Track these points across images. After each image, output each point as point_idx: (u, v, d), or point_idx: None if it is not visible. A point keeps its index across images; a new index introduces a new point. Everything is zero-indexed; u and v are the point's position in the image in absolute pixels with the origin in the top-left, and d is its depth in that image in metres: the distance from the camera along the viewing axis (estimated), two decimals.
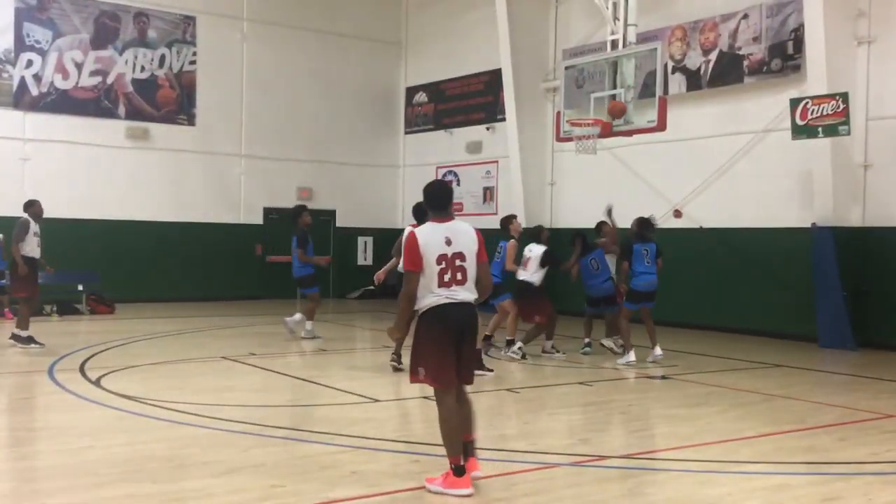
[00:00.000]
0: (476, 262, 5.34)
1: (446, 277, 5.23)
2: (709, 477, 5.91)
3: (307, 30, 20.79)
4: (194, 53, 19.28)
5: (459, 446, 5.28)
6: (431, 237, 5.27)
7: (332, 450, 6.26)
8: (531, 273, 11.21)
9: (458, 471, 5.19)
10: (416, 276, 5.27)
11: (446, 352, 5.28)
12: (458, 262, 5.25)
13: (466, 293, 5.31)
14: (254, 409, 7.86)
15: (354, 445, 6.39)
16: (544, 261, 11.19)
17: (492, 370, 9.95)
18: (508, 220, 11.69)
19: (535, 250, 11.32)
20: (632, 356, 10.81)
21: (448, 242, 5.25)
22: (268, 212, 20.30)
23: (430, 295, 5.26)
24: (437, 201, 5.41)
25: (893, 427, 7.50)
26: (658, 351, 11.01)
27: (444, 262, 5.22)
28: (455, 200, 20.48)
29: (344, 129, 21.49)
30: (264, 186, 20.24)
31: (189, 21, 19.22)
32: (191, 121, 19.30)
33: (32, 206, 11.57)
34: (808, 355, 12.19)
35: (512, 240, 11.39)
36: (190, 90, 19.25)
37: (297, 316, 13.03)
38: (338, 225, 21.25)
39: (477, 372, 9.86)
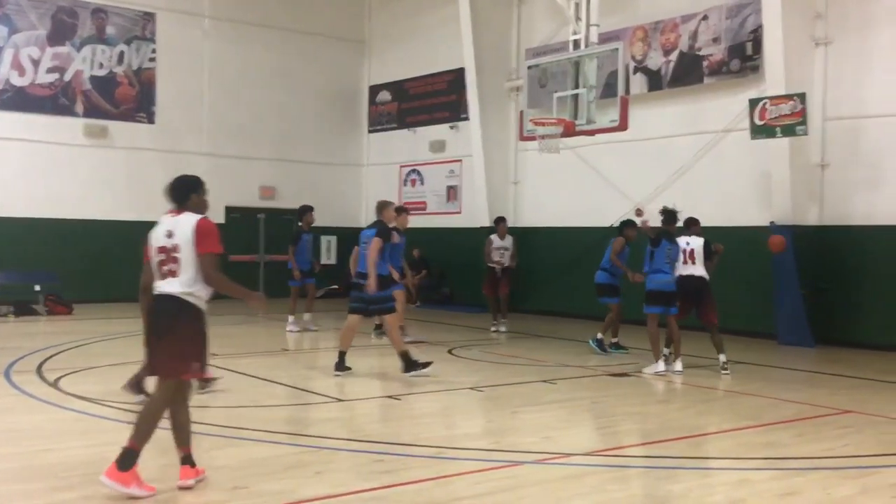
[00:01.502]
0: (194, 254, 5.31)
1: (164, 269, 5.37)
2: (671, 473, 5.97)
3: (270, 27, 20.62)
4: (154, 50, 19.01)
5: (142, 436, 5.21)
6: (157, 230, 5.43)
7: (295, 450, 6.22)
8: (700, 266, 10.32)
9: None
10: (147, 268, 5.52)
11: (149, 343, 5.46)
12: (174, 254, 5.36)
13: (174, 285, 5.31)
14: (215, 409, 7.78)
15: (318, 446, 6.35)
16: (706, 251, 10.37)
17: (429, 363, 9.58)
18: (383, 206, 10.11)
19: (694, 242, 10.39)
20: (660, 366, 10.14)
21: (169, 235, 5.36)
22: (229, 211, 20.09)
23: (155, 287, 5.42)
24: (170, 194, 5.54)
25: (850, 422, 7.64)
26: (661, 366, 10.17)
27: (163, 254, 5.37)
28: (418, 199, 20.72)
29: (307, 128, 21.36)
30: (226, 185, 19.98)
31: (148, 18, 18.95)
32: (150, 119, 19.02)
33: None
34: (768, 352, 12.37)
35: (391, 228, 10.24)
36: (149, 88, 18.97)
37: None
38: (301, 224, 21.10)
39: (410, 373, 9.46)
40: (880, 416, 7.86)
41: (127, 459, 5.07)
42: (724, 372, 10.07)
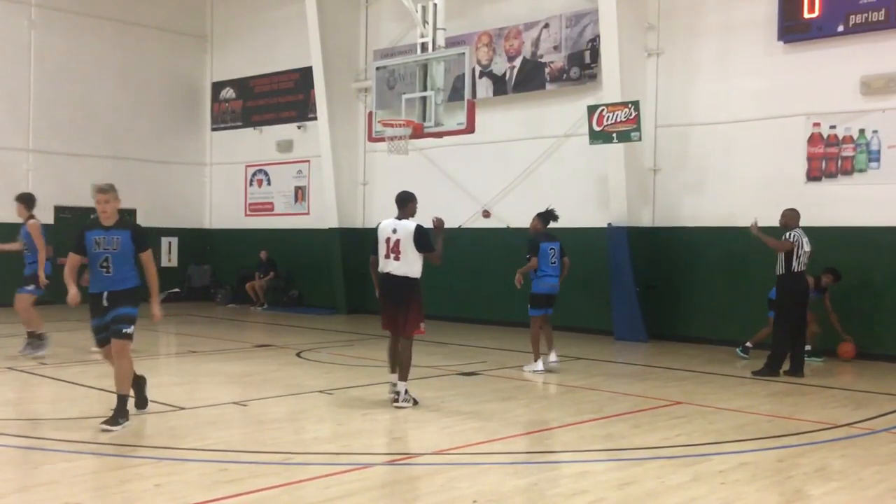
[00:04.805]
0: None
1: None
2: (516, 468, 6.13)
3: (104, 19, 19.63)
4: None
5: None
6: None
7: (134, 462, 5.93)
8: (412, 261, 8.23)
9: None
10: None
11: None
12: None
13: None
14: (45, 422, 7.32)
15: (157, 457, 6.08)
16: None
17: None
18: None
19: (401, 230, 8.28)
20: (538, 365, 10.35)
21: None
22: (59, 210, 18.97)
23: None
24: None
25: (681, 413, 8.09)
26: (553, 357, 10.61)
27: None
28: (265, 200, 20.30)
29: (145, 125, 20.49)
30: (56, 183, 18.87)
31: None
32: None
33: None
34: (605, 347, 12.93)
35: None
36: None
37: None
38: (139, 224, 20.21)
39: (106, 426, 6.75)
40: (708, 407, 8.38)
41: None
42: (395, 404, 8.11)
